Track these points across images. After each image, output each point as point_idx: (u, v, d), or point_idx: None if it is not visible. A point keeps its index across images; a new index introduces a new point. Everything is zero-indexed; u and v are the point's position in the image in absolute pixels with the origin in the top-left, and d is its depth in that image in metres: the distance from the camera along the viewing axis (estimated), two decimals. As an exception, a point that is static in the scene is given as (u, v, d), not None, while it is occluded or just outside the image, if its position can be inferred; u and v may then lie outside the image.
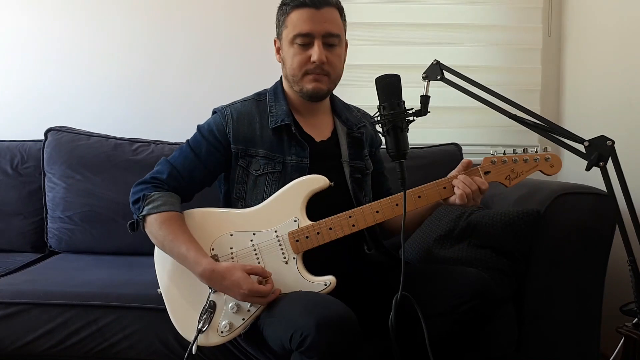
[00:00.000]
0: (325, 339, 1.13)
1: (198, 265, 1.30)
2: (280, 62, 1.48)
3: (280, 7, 1.44)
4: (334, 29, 1.40)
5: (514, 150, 1.40)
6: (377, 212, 1.35)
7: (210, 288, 1.34)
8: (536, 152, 1.39)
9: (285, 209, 1.36)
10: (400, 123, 1.21)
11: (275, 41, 1.48)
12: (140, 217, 1.38)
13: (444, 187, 1.37)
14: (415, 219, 1.49)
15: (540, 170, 1.40)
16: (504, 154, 1.39)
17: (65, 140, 2.14)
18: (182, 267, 1.35)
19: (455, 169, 1.41)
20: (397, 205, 1.34)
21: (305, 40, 1.38)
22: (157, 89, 2.41)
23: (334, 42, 1.40)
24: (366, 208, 1.35)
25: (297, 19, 1.38)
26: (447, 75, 1.46)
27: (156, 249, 1.42)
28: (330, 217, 1.34)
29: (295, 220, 1.35)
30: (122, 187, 2.07)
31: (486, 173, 1.37)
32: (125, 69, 2.40)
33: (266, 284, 1.29)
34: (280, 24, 1.44)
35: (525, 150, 1.39)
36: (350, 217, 1.34)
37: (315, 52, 1.38)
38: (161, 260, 1.42)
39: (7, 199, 2.14)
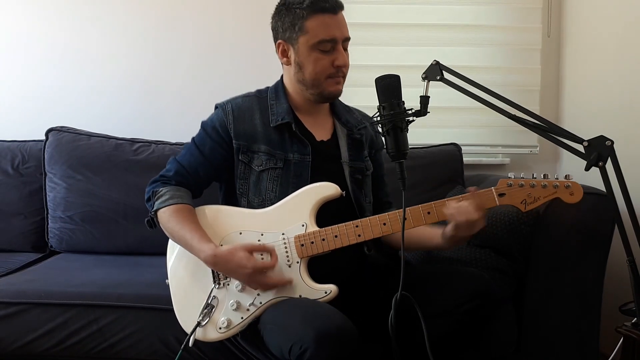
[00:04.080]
0: (324, 353, 1.13)
1: (201, 251, 1.32)
2: (287, 64, 1.46)
3: (288, 9, 1.40)
4: (348, 33, 1.43)
5: (533, 174, 1.35)
6: (385, 224, 1.34)
7: (213, 283, 1.36)
8: (557, 177, 1.34)
9: (294, 213, 1.37)
10: (400, 123, 1.21)
11: (280, 43, 1.44)
12: (153, 213, 1.41)
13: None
14: (418, 245, 1.47)
15: (559, 198, 1.33)
16: (522, 177, 1.34)
17: (66, 140, 2.14)
18: (191, 260, 1.37)
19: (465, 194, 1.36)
20: (404, 219, 1.32)
21: (328, 46, 1.39)
22: (158, 89, 2.42)
23: (347, 45, 1.43)
24: (373, 219, 1.35)
25: (319, 25, 1.38)
26: (446, 75, 1.46)
27: (169, 241, 1.45)
28: (337, 225, 1.35)
29: (303, 225, 1.35)
30: (122, 187, 2.09)
31: (501, 195, 1.33)
32: (127, 70, 2.40)
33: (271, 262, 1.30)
34: (294, 27, 1.39)
35: (545, 176, 1.34)
36: (357, 226, 1.34)
37: (342, 57, 1.40)
38: (172, 253, 1.45)
39: (8, 199, 2.14)
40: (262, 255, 1.33)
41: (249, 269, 1.27)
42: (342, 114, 1.55)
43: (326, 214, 1.37)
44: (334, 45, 1.39)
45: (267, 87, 1.54)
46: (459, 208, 1.29)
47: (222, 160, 1.47)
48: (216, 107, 1.51)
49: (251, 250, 1.30)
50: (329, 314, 1.22)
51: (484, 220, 1.30)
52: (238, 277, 1.31)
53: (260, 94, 1.52)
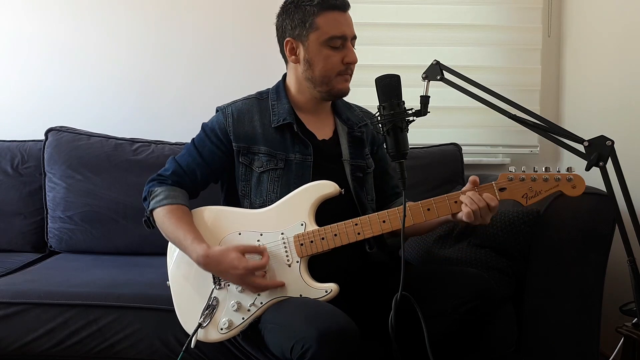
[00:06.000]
0: (326, 353, 1.13)
1: (194, 251, 1.32)
2: (295, 62, 1.45)
3: (297, 7, 1.41)
4: (355, 32, 1.45)
5: (534, 168, 1.34)
6: (384, 221, 1.34)
7: (214, 284, 1.36)
8: (558, 171, 1.33)
9: (293, 212, 1.37)
10: (400, 123, 1.22)
11: (289, 41, 1.44)
12: (148, 213, 1.42)
13: (455, 202, 1.33)
14: (421, 230, 1.49)
15: (561, 191, 1.32)
16: (524, 171, 1.33)
17: (65, 140, 2.14)
18: (191, 261, 1.37)
19: (466, 186, 1.36)
20: (405, 217, 1.31)
21: (338, 43, 1.40)
22: (158, 89, 2.41)
23: (354, 43, 1.45)
24: (373, 217, 1.34)
25: (330, 21, 1.39)
26: (447, 75, 1.46)
27: (169, 242, 1.45)
28: (336, 224, 1.34)
29: (302, 224, 1.35)
30: (122, 187, 2.08)
31: (501, 190, 1.32)
32: (127, 70, 2.40)
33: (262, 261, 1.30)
34: (304, 24, 1.40)
35: (547, 169, 1.33)
36: (356, 224, 1.34)
37: (351, 54, 1.42)
38: (172, 254, 1.45)
39: (8, 199, 2.14)
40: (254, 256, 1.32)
41: (240, 269, 1.27)
42: (343, 112, 1.55)
43: (328, 212, 1.37)
44: (344, 42, 1.41)
45: (268, 89, 1.54)
46: (473, 196, 1.29)
47: (220, 163, 1.47)
48: (217, 110, 1.51)
49: (243, 251, 1.30)
50: (331, 313, 1.22)
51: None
52: (230, 279, 1.31)
53: (261, 96, 1.52)
